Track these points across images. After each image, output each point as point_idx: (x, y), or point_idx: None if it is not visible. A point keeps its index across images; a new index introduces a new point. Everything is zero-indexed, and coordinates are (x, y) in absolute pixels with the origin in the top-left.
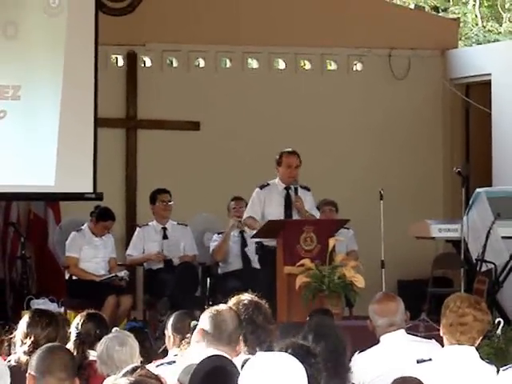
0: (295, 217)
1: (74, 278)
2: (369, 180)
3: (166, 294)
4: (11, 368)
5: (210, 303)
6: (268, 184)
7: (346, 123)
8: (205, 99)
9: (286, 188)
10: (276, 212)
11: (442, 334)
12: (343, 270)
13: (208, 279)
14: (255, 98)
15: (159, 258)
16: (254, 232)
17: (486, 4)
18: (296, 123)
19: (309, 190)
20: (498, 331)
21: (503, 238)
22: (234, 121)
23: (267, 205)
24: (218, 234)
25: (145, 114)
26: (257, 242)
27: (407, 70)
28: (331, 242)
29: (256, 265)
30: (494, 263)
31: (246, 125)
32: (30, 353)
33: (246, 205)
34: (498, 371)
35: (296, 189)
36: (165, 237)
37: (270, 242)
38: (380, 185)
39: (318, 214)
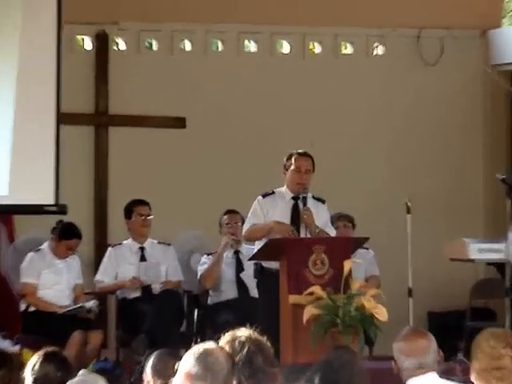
0: (303, 233)
1: (31, 309)
2: (392, 189)
3: (143, 328)
4: None
5: (198, 340)
6: (273, 192)
7: (364, 119)
8: (192, 90)
9: (293, 198)
10: None
11: (472, 380)
12: (361, 300)
13: (195, 311)
14: (253, 89)
15: (135, 285)
16: (252, 254)
17: None
18: (303, 119)
19: (323, 202)
20: None
21: None
22: (227, 116)
23: (270, 217)
24: (208, 255)
25: (118, 108)
26: (255, 263)
27: (439, 54)
28: (347, 265)
29: (254, 293)
30: None
31: (243, 122)
32: None
33: (242, 220)
34: None
35: (305, 198)
36: (142, 258)
37: (271, 264)
38: (406, 195)
39: (333, 232)
